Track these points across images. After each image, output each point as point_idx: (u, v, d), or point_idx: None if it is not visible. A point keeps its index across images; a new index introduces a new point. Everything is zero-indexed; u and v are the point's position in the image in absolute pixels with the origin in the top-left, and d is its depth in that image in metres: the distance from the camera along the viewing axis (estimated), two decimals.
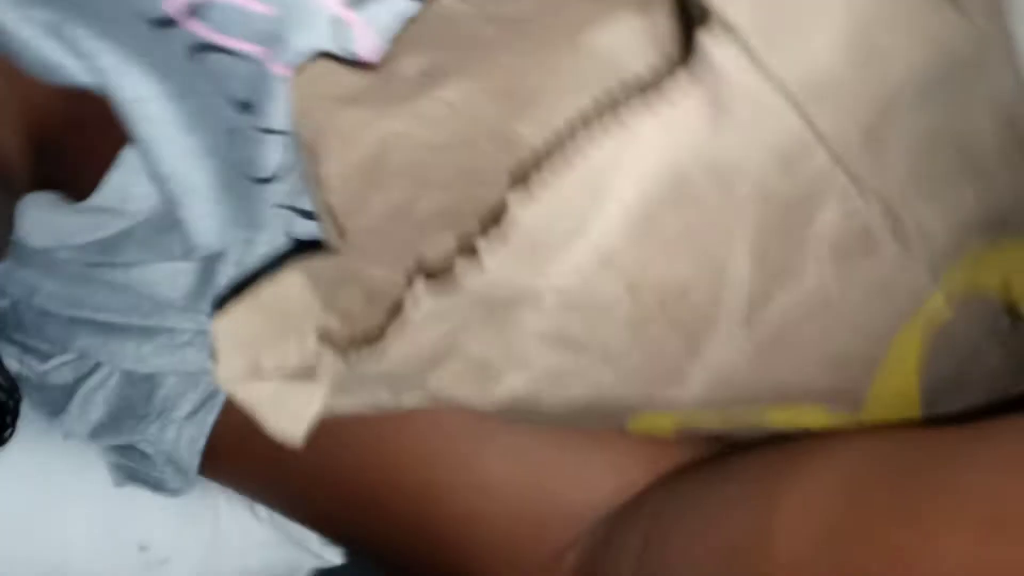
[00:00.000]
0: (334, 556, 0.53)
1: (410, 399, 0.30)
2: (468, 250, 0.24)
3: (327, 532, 0.50)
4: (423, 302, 0.25)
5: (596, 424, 0.35)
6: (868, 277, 0.29)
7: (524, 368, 0.29)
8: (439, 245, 0.30)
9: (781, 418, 0.35)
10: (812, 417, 0.35)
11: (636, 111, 0.24)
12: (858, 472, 0.32)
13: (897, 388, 0.34)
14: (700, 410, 0.33)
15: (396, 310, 0.26)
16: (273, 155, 0.39)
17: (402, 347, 0.27)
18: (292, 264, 0.30)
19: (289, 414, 0.29)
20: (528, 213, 0.24)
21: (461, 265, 0.25)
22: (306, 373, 0.29)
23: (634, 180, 0.24)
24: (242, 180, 0.39)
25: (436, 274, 0.25)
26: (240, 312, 0.29)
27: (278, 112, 0.39)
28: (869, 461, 0.32)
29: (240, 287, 0.35)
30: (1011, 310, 0.36)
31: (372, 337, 0.27)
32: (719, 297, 0.27)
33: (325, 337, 0.29)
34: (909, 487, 0.30)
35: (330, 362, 0.28)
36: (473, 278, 0.25)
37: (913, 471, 0.31)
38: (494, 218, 0.24)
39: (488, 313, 0.26)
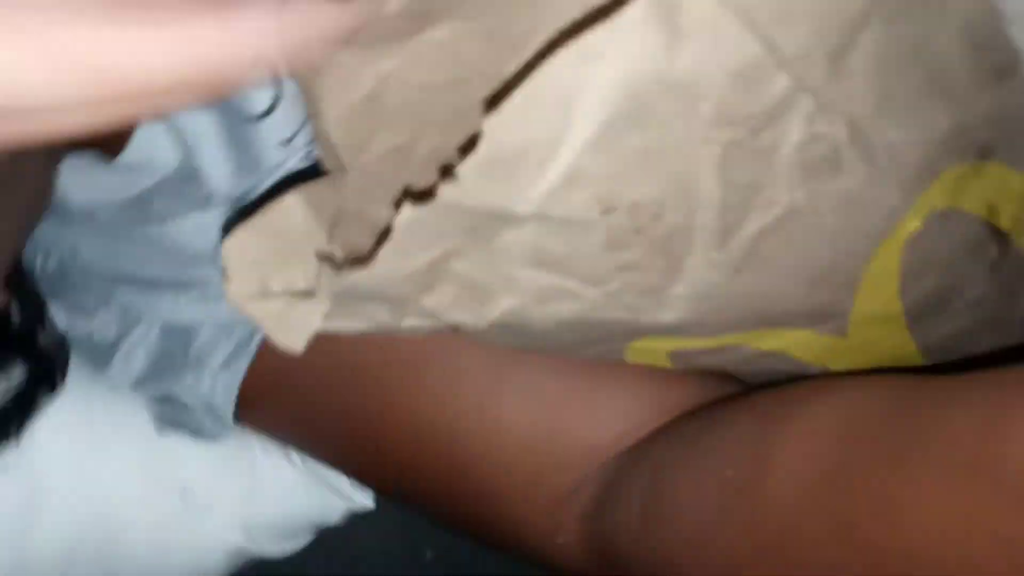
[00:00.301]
0: (365, 499, 0.54)
1: (410, 322, 0.32)
2: (447, 171, 0.26)
3: (355, 474, 0.51)
4: (404, 212, 0.27)
5: (594, 352, 0.37)
6: (839, 196, 0.30)
7: (513, 290, 0.30)
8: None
9: (770, 344, 0.36)
10: (800, 340, 0.36)
11: (597, 34, 0.25)
12: (851, 417, 0.32)
13: (879, 308, 0.35)
14: (688, 337, 0.34)
15: (387, 233, 0.28)
16: (258, 96, 0.40)
17: (390, 261, 0.28)
18: (295, 189, 0.31)
19: (292, 329, 0.31)
20: (498, 128, 0.25)
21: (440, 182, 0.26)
22: (311, 294, 0.31)
23: (597, 99, 0.26)
24: (242, 123, 0.41)
25: (421, 195, 0.27)
26: (246, 234, 0.31)
27: None
28: (862, 407, 0.33)
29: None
30: (998, 236, 0.37)
31: (364, 258, 0.29)
32: (693, 219, 0.29)
33: (325, 259, 0.31)
34: (900, 433, 0.30)
35: (327, 280, 0.30)
36: (449, 190, 0.26)
37: (905, 417, 0.31)
38: (471, 142, 0.26)
39: (473, 234, 0.28)
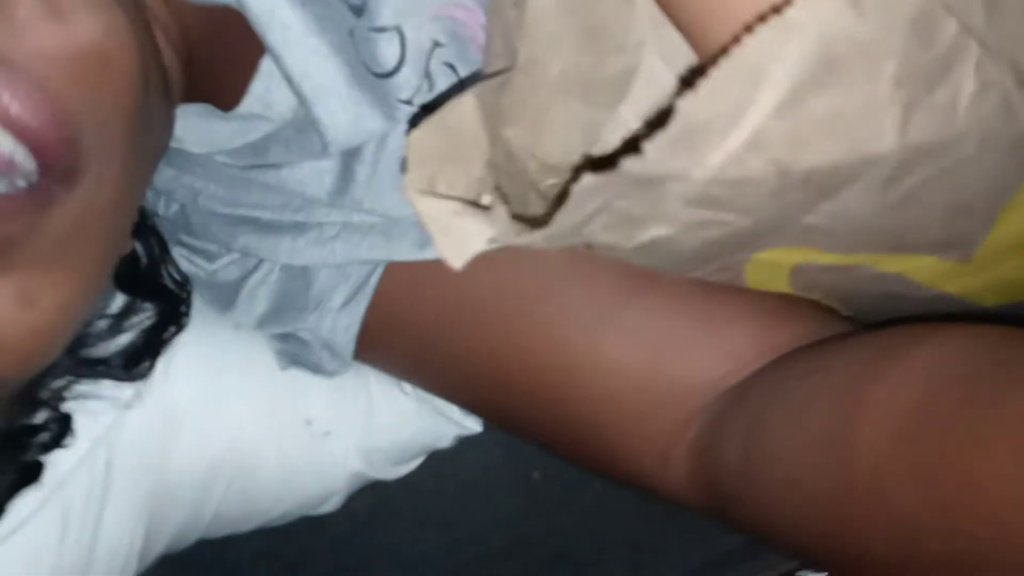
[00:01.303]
0: (475, 424, 0.57)
1: (561, 243, 0.32)
2: (631, 144, 0.27)
3: (467, 406, 0.54)
4: (585, 180, 0.28)
5: (718, 264, 0.37)
6: (1008, 142, 0.30)
7: (667, 221, 0.31)
8: (566, 113, 0.32)
9: (892, 267, 0.36)
10: (922, 265, 0.36)
11: (796, 9, 0.25)
12: (940, 374, 0.33)
13: (1013, 237, 0.35)
14: (817, 248, 0.34)
15: (562, 199, 0.29)
16: (388, 51, 0.41)
17: (564, 221, 0.29)
18: (471, 88, 0.32)
19: (454, 242, 0.31)
20: (691, 107, 0.26)
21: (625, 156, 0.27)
22: (473, 204, 0.31)
23: (788, 66, 0.26)
24: (367, 76, 0.41)
25: (600, 163, 0.28)
26: (426, 129, 0.32)
27: (386, 11, 0.41)
28: (952, 362, 0.33)
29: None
30: None
31: (541, 221, 0.30)
32: (863, 171, 0.29)
33: (498, 190, 0.31)
34: (984, 394, 0.31)
35: (503, 219, 0.30)
36: (633, 164, 0.27)
37: (992, 377, 0.31)
38: (661, 117, 0.26)
39: (642, 186, 0.28)
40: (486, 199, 0.33)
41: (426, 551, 0.63)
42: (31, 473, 0.47)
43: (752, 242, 0.35)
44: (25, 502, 0.48)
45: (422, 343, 0.49)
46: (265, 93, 0.43)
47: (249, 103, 0.43)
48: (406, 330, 0.49)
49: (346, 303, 0.48)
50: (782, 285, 0.40)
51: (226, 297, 0.51)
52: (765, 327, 0.43)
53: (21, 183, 0.33)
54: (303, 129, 0.43)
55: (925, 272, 0.37)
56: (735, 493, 0.40)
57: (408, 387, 0.55)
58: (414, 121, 0.40)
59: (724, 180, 0.28)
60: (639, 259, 0.36)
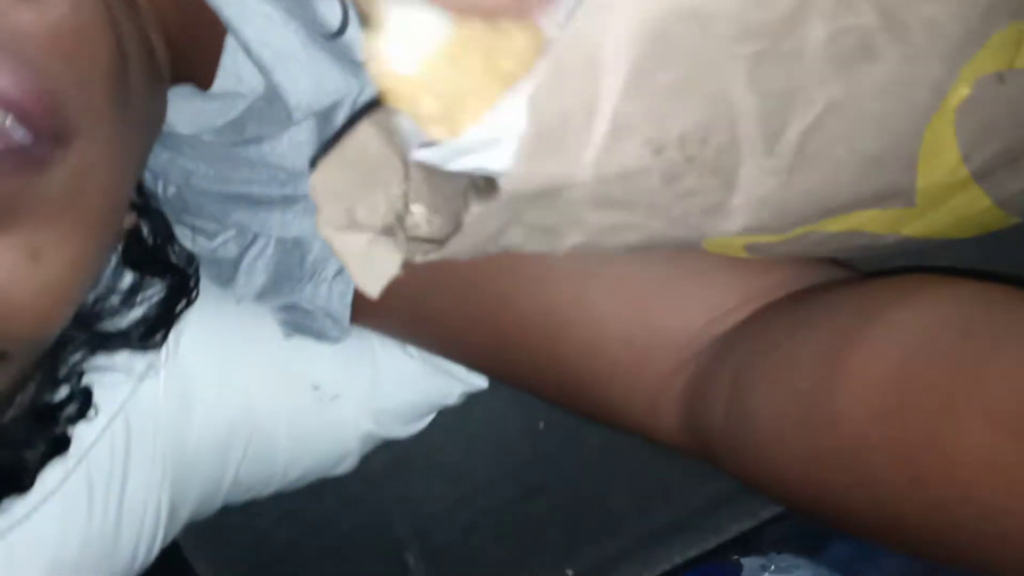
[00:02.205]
0: (479, 380, 0.58)
1: (489, 251, 0.34)
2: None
3: (467, 365, 0.55)
4: (472, 210, 0.29)
5: (671, 248, 0.39)
6: (877, 82, 0.30)
7: (581, 228, 0.32)
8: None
9: (839, 226, 0.37)
10: (869, 218, 0.37)
11: None
12: (919, 339, 0.34)
13: (944, 177, 0.36)
14: (757, 235, 0.36)
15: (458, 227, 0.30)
16: (330, 11, 0.41)
17: (461, 242, 0.30)
18: (366, 117, 0.33)
19: (372, 271, 0.33)
20: (535, 105, 0.26)
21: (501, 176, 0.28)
22: (394, 229, 0.33)
23: (619, 49, 0.26)
24: (321, 38, 0.42)
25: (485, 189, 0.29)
26: (329, 167, 0.33)
27: None
28: (933, 326, 0.34)
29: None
30: None
31: (439, 243, 0.31)
32: (736, 135, 0.29)
33: (398, 216, 0.33)
34: (962, 368, 0.31)
35: (403, 242, 0.32)
36: (510, 182, 0.28)
37: (972, 347, 0.32)
38: None
39: (538, 199, 0.29)
40: (416, 208, 0.34)
41: (441, 504, 0.65)
42: (59, 445, 0.50)
43: (684, 244, 0.36)
44: (52, 474, 0.51)
45: (416, 307, 0.51)
46: (235, 68, 0.44)
47: (223, 80, 0.44)
48: (399, 295, 0.50)
49: (339, 272, 0.50)
50: (742, 255, 0.41)
51: (227, 273, 0.53)
52: (747, 274, 0.44)
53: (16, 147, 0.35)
54: (272, 99, 0.44)
55: (876, 222, 0.37)
56: (721, 443, 0.41)
57: (412, 349, 0.57)
58: (314, 161, 0.41)
59: (610, 175, 0.29)
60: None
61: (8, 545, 0.50)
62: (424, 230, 0.35)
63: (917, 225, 0.39)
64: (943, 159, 0.35)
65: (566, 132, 0.28)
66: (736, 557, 0.93)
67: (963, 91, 0.33)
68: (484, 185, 0.30)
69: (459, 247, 0.31)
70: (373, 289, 0.33)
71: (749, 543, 0.74)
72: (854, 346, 0.35)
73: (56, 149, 0.35)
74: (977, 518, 0.30)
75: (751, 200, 0.32)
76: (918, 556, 0.36)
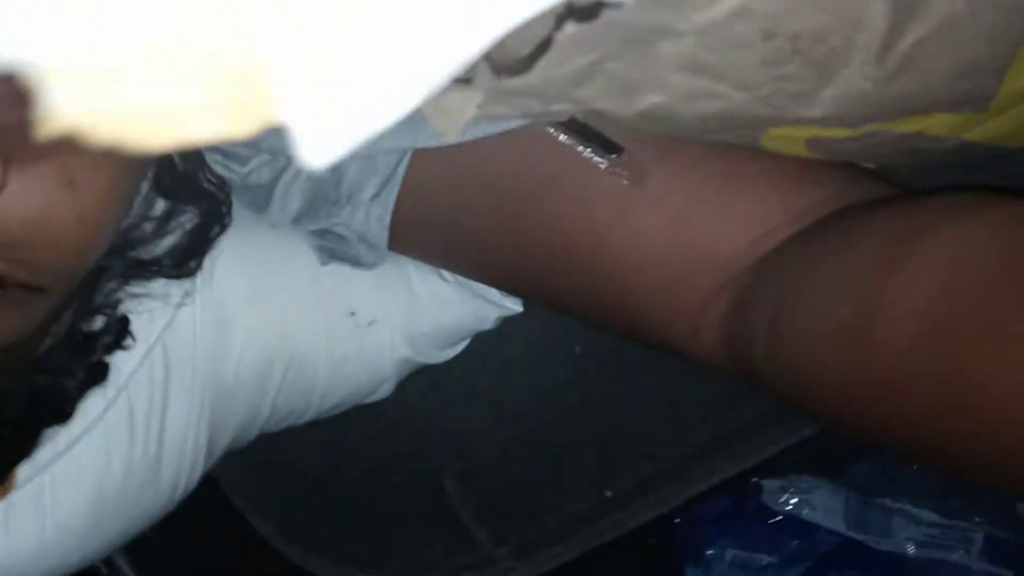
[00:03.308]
0: (515, 304, 0.58)
1: (559, 108, 0.33)
2: None
3: (504, 287, 0.55)
4: (567, 28, 0.28)
5: (731, 137, 0.38)
6: None
7: (662, 88, 0.31)
8: None
9: (908, 127, 0.36)
10: (938, 121, 0.36)
11: None
12: (962, 264, 0.33)
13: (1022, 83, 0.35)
14: (830, 128, 0.35)
15: (547, 43, 0.29)
16: None
17: (548, 69, 0.29)
18: None
19: (447, 114, 0.32)
20: None
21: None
22: (464, 79, 0.32)
23: None
24: None
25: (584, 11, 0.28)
26: None
27: None
28: (974, 251, 0.33)
29: None
30: None
31: (521, 66, 0.30)
32: (854, 39, 0.29)
33: (483, 57, 0.32)
34: (1003, 298, 0.31)
35: (483, 78, 0.31)
36: (615, 12, 0.27)
37: (1013, 277, 0.31)
38: None
39: (631, 42, 0.28)
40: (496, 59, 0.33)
41: (477, 428, 0.65)
42: (98, 373, 0.50)
43: (757, 124, 0.35)
44: (94, 403, 0.51)
45: (454, 228, 0.50)
46: None
47: None
48: (437, 216, 0.50)
49: (376, 194, 0.50)
50: (800, 151, 0.40)
51: (261, 198, 0.52)
52: (791, 191, 0.43)
53: None
54: None
55: (943, 127, 0.37)
56: (762, 365, 0.41)
57: (447, 274, 0.57)
58: None
59: (713, 42, 0.28)
60: (643, 127, 0.36)
61: (53, 475, 0.50)
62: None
63: (979, 130, 0.39)
64: None
65: None
66: (756, 480, 0.95)
67: None
68: (584, 9, 0.29)
69: (542, 76, 0.30)
70: (451, 131, 0.33)
71: (769, 466, 0.75)
72: (895, 272, 0.35)
73: None
74: (1015, 448, 0.30)
75: (842, 94, 0.32)
76: (954, 476, 0.36)
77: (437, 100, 0.32)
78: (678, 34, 0.28)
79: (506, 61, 0.32)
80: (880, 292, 0.35)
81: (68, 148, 0.35)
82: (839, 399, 0.37)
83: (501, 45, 0.31)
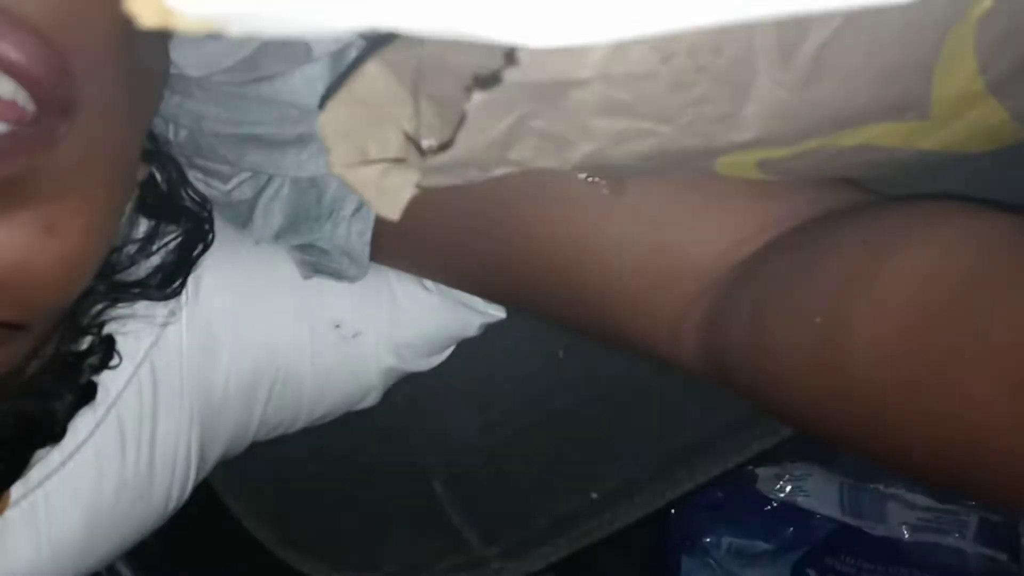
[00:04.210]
0: (497, 311, 0.58)
1: (499, 171, 0.34)
2: (510, 56, 0.28)
3: (485, 297, 0.56)
4: (475, 98, 0.29)
5: (684, 170, 0.39)
6: None
7: (590, 136, 0.32)
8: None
9: (852, 140, 0.37)
10: (882, 131, 0.37)
11: None
12: (934, 274, 0.34)
13: (960, 88, 0.35)
14: (769, 148, 0.35)
15: (464, 119, 0.30)
16: None
17: (470, 139, 0.30)
18: (373, 55, 0.33)
19: (388, 195, 0.33)
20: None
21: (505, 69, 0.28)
22: (407, 158, 0.33)
23: None
24: None
25: (488, 80, 0.29)
26: (337, 106, 0.33)
27: None
28: (945, 263, 0.34)
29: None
30: None
31: (445, 144, 0.31)
32: (751, 46, 0.29)
33: (410, 140, 0.33)
34: (975, 310, 0.31)
35: (415, 160, 0.32)
36: (512, 72, 0.28)
37: (984, 289, 0.32)
38: None
39: (543, 99, 0.29)
40: (427, 143, 0.34)
41: (464, 432, 0.66)
42: (86, 393, 0.51)
43: (697, 156, 0.36)
44: (84, 422, 0.52)
45: (433, 242, 0.51)
46: None
47: None
48: (416, 231, 0.51)
49: (357, 209, 0.50)
50: (755, 175, 0.41)
51: (243, 215, 0.53)
52: (764, 199, 0.43)
53: (25, 123, 0.35)
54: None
55: (890, 136, 0.37)
56: (739, 372, 0.42)
57: (430, 283, 0.57)
58: (323, 102, 0.41)
59: (617, 78, 0.29)
60: (594, 173, 0.37)
61: (46, 493, 0.51)
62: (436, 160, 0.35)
63: (933, 139, 0.39)
64: (960, 70, 0.35)
65: None
66: (751, 467, 0.96)
67: (987, 2, 0.33)
68: (488, 78, 0.30)
69: (465, 147, 0.31)
70: (393, 213, 0.34)
71: (763, 454, 0.76)
72: (868, 283, 0.35)
73: (64, 122, 0.35)
74: (982, 461, 0.31)
75: (764, 111, 0.32)
76: (922, 484, 0.37)
77: (377, 182, 0.33)
78: (582, 81, 0.29)
79: (428, 140, 0.33)
80: (854, 302, 0.35)
81: (46, 195, 0.36)
82: (812, 406, 0.38)
83: (446, 106, 0.32)
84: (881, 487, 0.93)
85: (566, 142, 0.32)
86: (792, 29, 0.30)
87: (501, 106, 0.30)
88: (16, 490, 0.50)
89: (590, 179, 0.44)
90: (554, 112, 0.30)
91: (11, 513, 0.50)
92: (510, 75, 0.28)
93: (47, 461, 0.51)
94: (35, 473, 0.51)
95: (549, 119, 0.31)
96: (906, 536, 0.93)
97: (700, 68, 0.29)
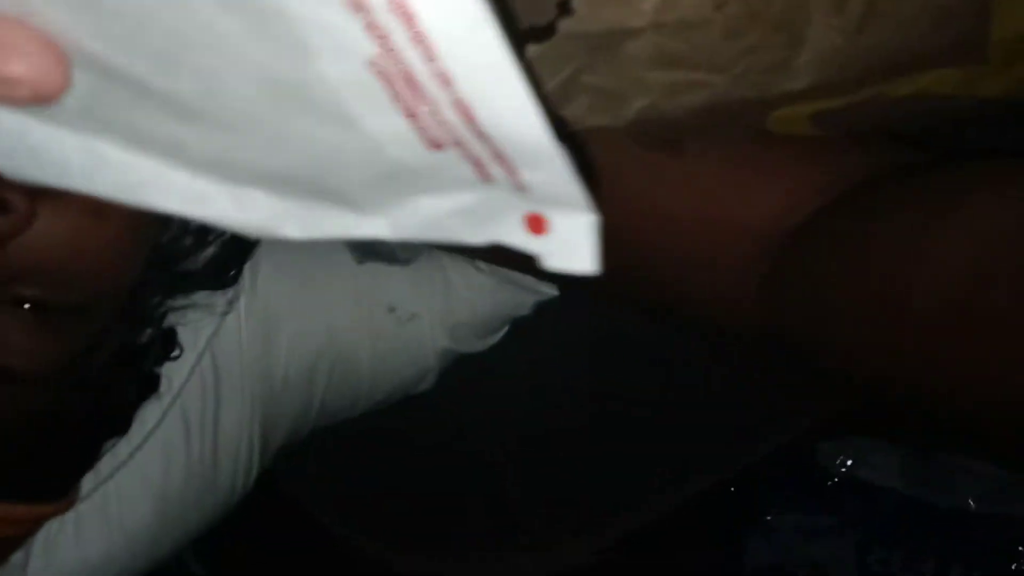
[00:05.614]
0: (550, 288, 0.58)
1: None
2: (563, 6, 0.28)
3: (536, 274, 0.56)
4: (529, 50, 0.29)
5: (735, 128, 0.38)
6: None
7: (643, 90, 0.31)
8: None
9: (907, 89, 0.36)
10: (938, 78, 0.36)
11: None
12: (989, 237, 0.33)
13: (1020, 26, 0.35)
14: (824, 98, 0.35)
15: None
16: None
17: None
18: None
19: None
20: None
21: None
22: None
23: None
24: None
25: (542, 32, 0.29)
26: None
27: None
28: (1002, 223, 0.33)
29: None
30: None
31: None
32: None
33: None
34: None
35: None
36: (566, 23, 0.28)
37: None
38: None
39: (597, 51, 0.29)
40: None
41: (516, 414, 0.66)
42: (150, 385, 0.52)
43: (750, 110, 0.35)
44: (150, 413, 0.52)
45: None
46: None
47: None
48: None
49: None
50: (807, 130, 0.40)
51: None
52: (817, 162, 0.43)
53: None
54: None
55: (947, 83, 0.36)
56: (800, 336, 0.41)
57: (482, 263, 0.58)
58: None
59: (670, 27, 0.29)
60: (646, 131, 0.37)
61: (117, 484, 0.52)
62: None
63: (993, 85, 0.38)
64: (1020, 10, 0.34)
65: None
66: (811, 444, 0.94)
67: None
68: (542, 30, 0.30)
69: None
70: None
71: (823, 427, 0.75)
72: (925, 243, 0.35)
73: None
74: None
75: (817, 58, 0.32)
76: (988, 450, 0.36)
77: None
78: (636, 31, 0.29)
79: None
80: (913, 261, 0.35)
81: None
82: (874, 370, 0.37)
83: None
84: (946, 458, 0.91)
85: (620, 97, 0.32)
86: None
87: (556, 59, 0.30)
88: (87, 483, 0.51)
89: (649, 143, 0.43)
90: (608, 65, 0.30)
91: (84, 505, 0.51)
92: (565, 25, 0.28)
93: (116, 453, 0.52)
94: (105, 465, 0.52)
95: (603, 73, 0.31)
96: (974, 507, 0.91)
97: (753, 15, 0.29)
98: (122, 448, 0.52)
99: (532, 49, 0.29)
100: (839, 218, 0.41)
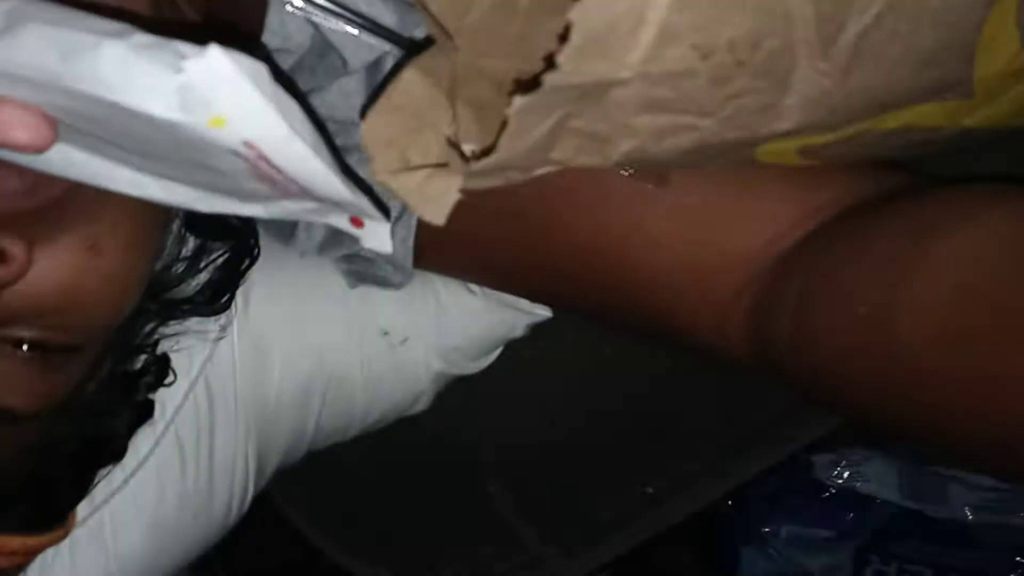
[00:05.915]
0: (543, 311, 0.58)
1: (540, 171, 0.34)
2: (549, 60, 0.28)
3: (529, 296, 0.56)
4: (516, 102, 0.29)
5: (723, 162, 0.39)
6: None
7: (631, 134, 0.32)
8: (546, 28, 0.33)
9: (894, 122, 0.36)
10: (924, 112, 0.36)
11: None
12: (979, 259, 0.33)
13: (1002, 66, 0.35)
14: (811, 135, 0.35)
15: (505, 124, 0.30)
16: None
17: (512, 143, 0.30)
18: (410, 63, 0.33)
19: (432, 201, 0.34)
20: (584, 14, 0.27)
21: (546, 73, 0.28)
22: (447, 163, 0.34)
23: None
24: None
25: (529, 84, 0.29)
26: (378, 115, 0.33)
27: None
28: (994, 244, 0.33)
29: None
30: None
31: (488, 148, 0.32)
32: (791, 39, 0.29)
33: (452, 145, 0.33)
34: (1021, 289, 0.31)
35: (457, 165, 0.33)
36: (553, 76, 0.28)
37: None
38: (566, 31, 0.28)
39: (583, 99, 0.29)
40: (467, 148, 0.35)
41: (517, 435, 0.66)
42: (144, 412, 0.52)
43: (738, 147, 0.35)
44: (144, 440, 0.53)
45: (475, 245, 0.51)
46: (281, 26, 0.44)
47: (269, 39, 0.45)
48: (459, 236, 0.51)
49: (399, 217, 0.50)
50: (796, 161, 0.40)
51: (287, 230, 0.53)
52: (803, 189, 0.43)
53: None
54: (323, 53, 0.45)
55: (933, 116, 0.37)
56: (786, 363, 0.41)
57: (475, 286, 0.58)
58: (363, 112, 0.42)
59: (656, 77, 0.29)
60: (633, 167, 0.37)
61: (111, 511, 0.52)
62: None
63: (977, 116, 0.38)
64: (1002, 49, 0.35)
65: (613, 37, 0.28)
66: (807, 455, 0.95)
67: None
68: (528, 83, 0.30)
69: (508, 150, 0.31)
70: (438, 218, 0.35)
71: (820, 440, 0.75)
72: (912, 269, 0.35)
73: None
74: None
75: (804, 100, 0.32)
76: (979, 472, 0.36)
77: (421, 187, 0.34)
78: (622, 82, 0.29)
79: (468, 145, 0.33)
80: (899, 288, 0.35)
81: (87, 216, 0.36)
82: (860, 397, 0.38)
83: (483, 110, 0.33)
84: (941, 469, 0.92)
85: (607, 140, 0.32)
86: (830, 21, 0.29)
87: (542, 109, 0.30)
88: (82, 509, 0.51)
89: (631, 172, 0.44)
90: (595, 111, 0.30)
91: (78, 532, 0.51)
92: (551, 79, 0.28)
93: (110, 480, 0.52)
94: (99, 492, 0.52)
95: (590, 118, 0.31)
96: (969, 517, 0.91)
97: (740, 63, 0.29)
98: (116, 475, 0.52)
99: (519, 101, 0.29)
100: (824, 247, 0.41)
